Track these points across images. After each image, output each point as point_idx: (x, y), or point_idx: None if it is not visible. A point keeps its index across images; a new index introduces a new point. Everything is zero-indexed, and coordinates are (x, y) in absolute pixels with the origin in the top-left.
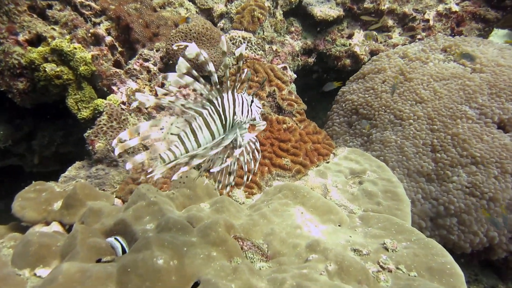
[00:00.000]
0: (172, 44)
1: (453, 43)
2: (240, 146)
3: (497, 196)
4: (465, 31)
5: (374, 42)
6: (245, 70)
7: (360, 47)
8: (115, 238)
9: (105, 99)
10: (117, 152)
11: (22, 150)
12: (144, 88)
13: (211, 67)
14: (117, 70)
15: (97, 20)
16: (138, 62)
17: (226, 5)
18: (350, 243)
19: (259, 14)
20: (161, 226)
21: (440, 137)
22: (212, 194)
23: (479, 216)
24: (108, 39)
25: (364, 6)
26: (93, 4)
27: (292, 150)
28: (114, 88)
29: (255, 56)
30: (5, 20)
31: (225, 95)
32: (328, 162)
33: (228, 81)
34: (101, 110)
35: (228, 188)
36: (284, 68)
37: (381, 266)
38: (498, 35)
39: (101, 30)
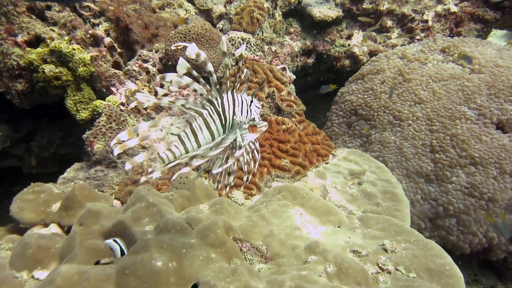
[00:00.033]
0: (171, 45)
1: (451, 43)
2: (240, 147)
3: (496, 196)
4: (464, 32)
5: (373, 43)
6: (245, 71)
7: (359, 48)
8: (114, 240)
9: (104, 100)
10: (116, 152)
11: (20, 152)
12: (143, 89)
13: (210, 67)
14: (116, 71)
15: (96, 21)
16: (137, 63)
17: (225, 6)
18: (349, 244)
19: (258, 15)
20: (160, 228)
21: (439, 138)
22: (211, 196)
23: (478, 216)
24: (107, 40)
25: (363, 7)
26: (92, 5)
27: (291, 151)
28: (113, 89)
29: (254, 57)
30: (3, 21)
31: (224, 95)
32: (327, 163)
33: (228, 82)
34: (100, 111)
35: (227, 188)
36: (283, 69)
37: (380, 268)
38: (496, 35)
39: (100, 31)
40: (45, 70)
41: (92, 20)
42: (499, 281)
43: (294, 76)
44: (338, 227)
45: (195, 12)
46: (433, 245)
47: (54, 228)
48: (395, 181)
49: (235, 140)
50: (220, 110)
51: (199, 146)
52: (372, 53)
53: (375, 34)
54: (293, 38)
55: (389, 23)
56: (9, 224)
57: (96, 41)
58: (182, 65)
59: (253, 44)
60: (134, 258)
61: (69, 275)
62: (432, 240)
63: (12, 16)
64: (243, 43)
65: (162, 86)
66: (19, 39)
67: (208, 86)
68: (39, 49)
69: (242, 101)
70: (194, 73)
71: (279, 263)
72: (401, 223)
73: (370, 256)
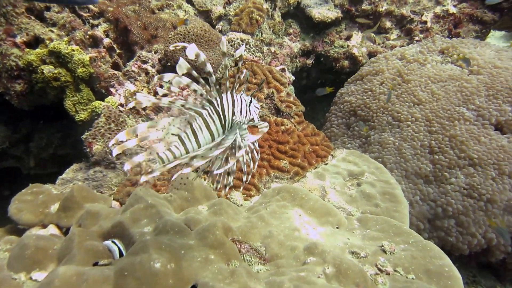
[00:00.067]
0: (170, 46)
1: (450, 45)
2: (240, 147)
3: (495, 197)
4: (463, 33)
5: (372, 44)
6: (244, 72)
7: (358, 49)
8: (113, 241)
9: (103, 101)
10: (115, 153)
11: (19, 152)
12: (142, 90)
13: (209, 68)
14: (115, 72)
15: (95, 22)
16: (136, 64)
17: (224, 7)
18: (348, 246)
19: (258, 16)
20: (159, 229)
21: (438, 139)
22: (210, 196)
23: (477, 217)
24: (106, 41)
25: (362, 8)
26: (91, 6)
27: (290, 152)
28: (112, 90)
29: (253, 58)
30: (2, 22)
31: (224, 95)
32: (326, 164)
33: (227, 82)
34: (99, 112)
35: (227, 188)
36: (283, 70)
37: (379, 269)
38: (495, 36)
39: (99, 32)
40: (44, 71)
41: (91, 21)
42: (498, 282)
43: (293, 77)
44: (337, 228)
45: (194, 13)
46: (432, 246)
47: (52, 229)
48: (394, 182)
49: (235, 140)
50: (220, 110)
51: (199, 146)
52: (371, 54)
53: (374, 35)
54: (292, 39)
55: (388, 24)
56: (8, 225)
57: (95, 42)
58: (182, 66)
59: (252, 45)
60: (132, 259)
61: (67, 276)
62: (431, 241)
63: (11, 17)
64: (242, 44)
65: (161, 86)
66: (18, 40)
67: (207, 87)
68: (38, 50)
69: (241, 101)
70: (194, 73)
71: (278, 264)
72: (400, 224)
73: (369, 257)
